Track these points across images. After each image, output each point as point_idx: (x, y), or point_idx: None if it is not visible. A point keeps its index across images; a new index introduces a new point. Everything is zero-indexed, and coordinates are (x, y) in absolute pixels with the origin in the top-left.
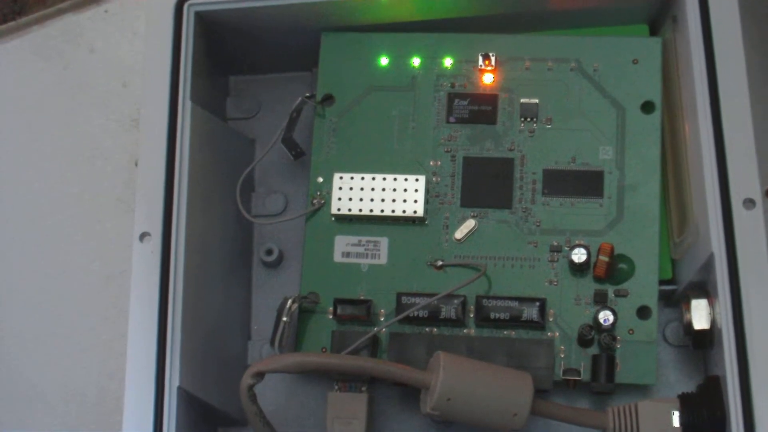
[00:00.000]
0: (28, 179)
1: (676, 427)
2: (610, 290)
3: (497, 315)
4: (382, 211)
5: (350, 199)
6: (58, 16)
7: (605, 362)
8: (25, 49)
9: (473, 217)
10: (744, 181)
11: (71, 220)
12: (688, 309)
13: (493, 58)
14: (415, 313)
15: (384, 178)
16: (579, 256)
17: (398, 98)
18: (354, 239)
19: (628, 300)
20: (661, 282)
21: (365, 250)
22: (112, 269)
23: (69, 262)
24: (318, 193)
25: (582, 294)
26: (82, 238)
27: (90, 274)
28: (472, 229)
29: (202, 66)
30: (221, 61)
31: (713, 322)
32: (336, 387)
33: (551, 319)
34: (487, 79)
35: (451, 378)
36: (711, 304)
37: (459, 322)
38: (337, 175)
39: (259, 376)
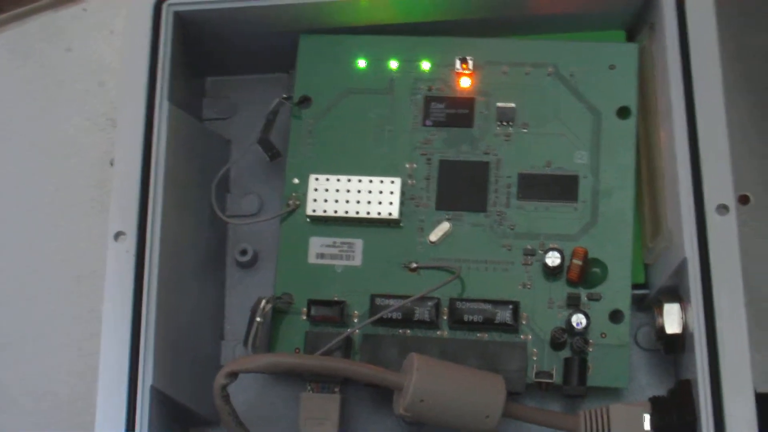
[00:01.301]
0: (2, 177)
1: (647, 431)
2: (583, 294)
3: (471, 317)
4: (358, 212)
5: (325, 201)
6: (35, 14)
7: (577, 365)
8: (2, 47)
9: (448, 220)
10: (718, 187)
11: (45, 218)
12: (661, 313)
13: (470, 62)
14: (389, 315)
15: (360, 180)
16: (553, 259)
17: (375, 101)
18: (329, 240)
19: (601, 304)
20: (634, 286)
21: (340, 251)
22: (84, 269)
23: (41, 261)
24: (293, 195)
25: (555, 297)
26: (55, 237)
27: (62, 273)
28: (446, 232)
29: (180, 66)
30: (199, 62)
31: (685, 327)
32: (309, 388)
33: (524, 322)
34: (464, 82)
35: (425, 380)
36: (683, 309)
37: (432, 324)
38: (312, 177)
39: (233, 376)
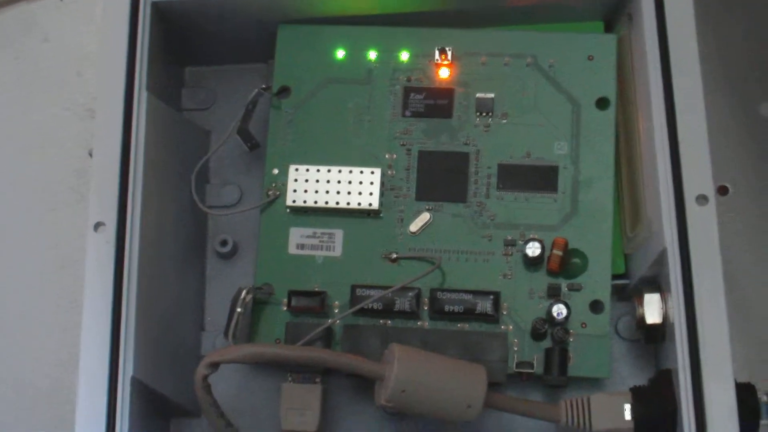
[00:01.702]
0: None
1: (628, 420)
2: (564, 284)
3: (451, 308)
4: (338, 203)
5: (305, 191)
6: (11, 4)
7: (558, 355)
8: None
9: (428, 210)
10: (697, 178)
11: (24, 208)
12: (641, 303)
13: (449, 53)
14: (370, 305)
15: (339, 171)
16: (533, 250)
17: (354, 91)
18: (309, 231)
19: (581, 294)
20: (614, 276)
21: (320, 242)
22: (65, 259)
23: (21, 252)
24: (273, 185)
25: (535, 288)
26: (35, 227)
27: (42, 264)
28: (426, 223)
29: (158, 56)
30: (177, 52)
31: (665, 317)
32: (290, 378)
33: (505, 313)
34: (443, 73)
35: (406, 370)
36: (663, 299)
37: (413, 315)
38: (292, 167)
39: (214, 366)
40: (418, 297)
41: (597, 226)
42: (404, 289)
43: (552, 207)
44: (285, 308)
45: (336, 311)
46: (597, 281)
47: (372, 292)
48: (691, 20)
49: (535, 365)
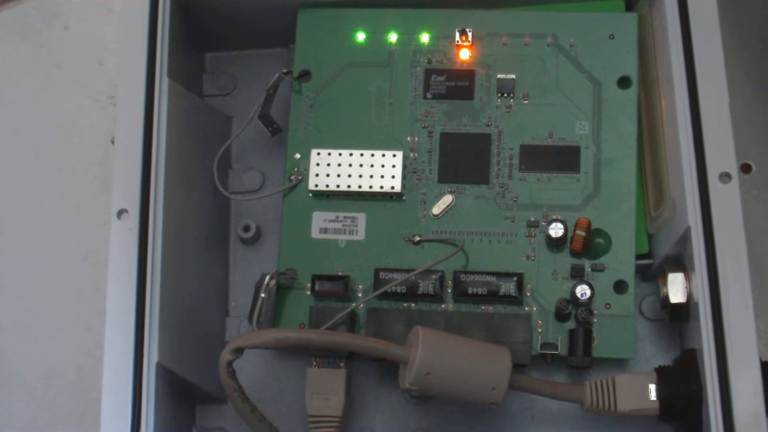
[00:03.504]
0: (4, 158)
1: (653, 400)
2: (587, 265)
3: (475, 290)
4: (360, 186)
5: (327, 175)
6: None
7: (582, 336)
8: (0, 28)
9: (450, 192)
10: (720, 156)
11: (48, 198)
12: (665, 283)
13: (469, 34)
14: (393, 289)
15: (361, 154)
16: (556, 230)
17: (375, 74)
18: (331, 215)
19: (605, 274)
20: (638, 256)
21: (343, 226)
22: (89, 247)
23: (46, 241)
24: (295, 170)
25: (559, 269)
26: (59, 217)
27: (67, 253)
28: (449, 205)
29: (179, 42)
30: (197, 38)
31: (689, 296)
32: (314, 363)
33: (528, 294)
34: (464, 54)
35: (430, 353)
36: (687, 278)
37: (437, 298)
38: (314, 151)
39: (238, 352)
40: (441, 279)
41: (620, 206)
42: (428, 271)
43: (575, 187)
44: (309, 293)
45: (360, 295)
46: (621, 261)
47: (395, 276)
48: None
49: (559, 346)
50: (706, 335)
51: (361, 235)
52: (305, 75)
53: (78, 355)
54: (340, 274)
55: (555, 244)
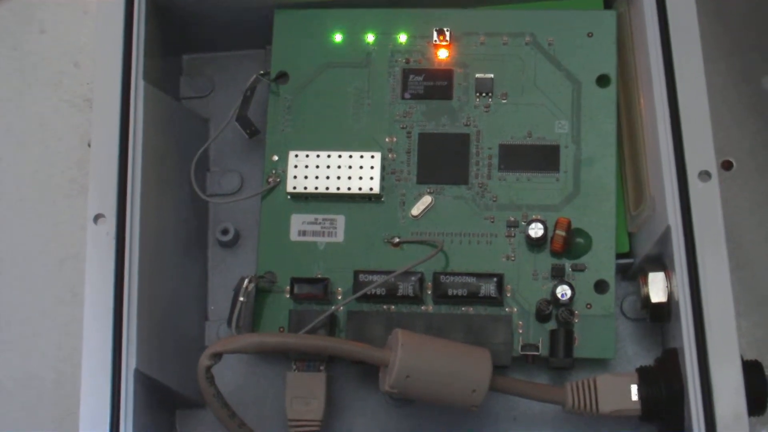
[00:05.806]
0: None
1: (635, 401)
2: (568, 265)
3: (455, 291)
4: (338, 188)
5: (306, 177)
6: None
7: (563, 337)
8: None
9: (429, 193)
10: (700, 154)
11: (24, 202)
12: (646, 282)
13: (447, 33)
14: (373, 291)
15: (339, 156)
16: (536, 230)
17: (353, 75)
18: (310, 217)
19: (586, 274)
20: (618, 255)
21: (322, 228)
22: (66, 251)
23: (22, 245)
24: (273, 172)
25: (539, 269)
26: (35, 221)
27: (44, 257)
28: (428, 206)
29: (155, 45)
30: (174, 40)
31: (670, 295)
32: (294, 367)
33: (509, 295)
34: (442, 54)
35: (410, 355)
36: (668, 277)
37: (417, 299)
38: (292, 153)
39: (217, 357)
40: (421, 281)
41: (600, 205)
42: (407, 273)
43: (554, 187)
44: (288, 296)
45: (339, 298)
46: (601, 261)
47: (375, 278)
48: None
49: (540, 347)
50: (687, 335)
51: (340, 237)
52: (282, 76)
53: (56, 360)
54: (319, 276)
55: (535, 244)
